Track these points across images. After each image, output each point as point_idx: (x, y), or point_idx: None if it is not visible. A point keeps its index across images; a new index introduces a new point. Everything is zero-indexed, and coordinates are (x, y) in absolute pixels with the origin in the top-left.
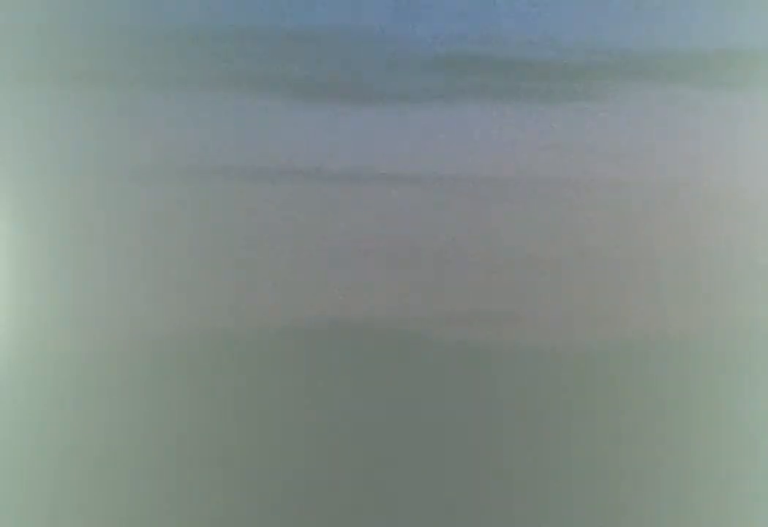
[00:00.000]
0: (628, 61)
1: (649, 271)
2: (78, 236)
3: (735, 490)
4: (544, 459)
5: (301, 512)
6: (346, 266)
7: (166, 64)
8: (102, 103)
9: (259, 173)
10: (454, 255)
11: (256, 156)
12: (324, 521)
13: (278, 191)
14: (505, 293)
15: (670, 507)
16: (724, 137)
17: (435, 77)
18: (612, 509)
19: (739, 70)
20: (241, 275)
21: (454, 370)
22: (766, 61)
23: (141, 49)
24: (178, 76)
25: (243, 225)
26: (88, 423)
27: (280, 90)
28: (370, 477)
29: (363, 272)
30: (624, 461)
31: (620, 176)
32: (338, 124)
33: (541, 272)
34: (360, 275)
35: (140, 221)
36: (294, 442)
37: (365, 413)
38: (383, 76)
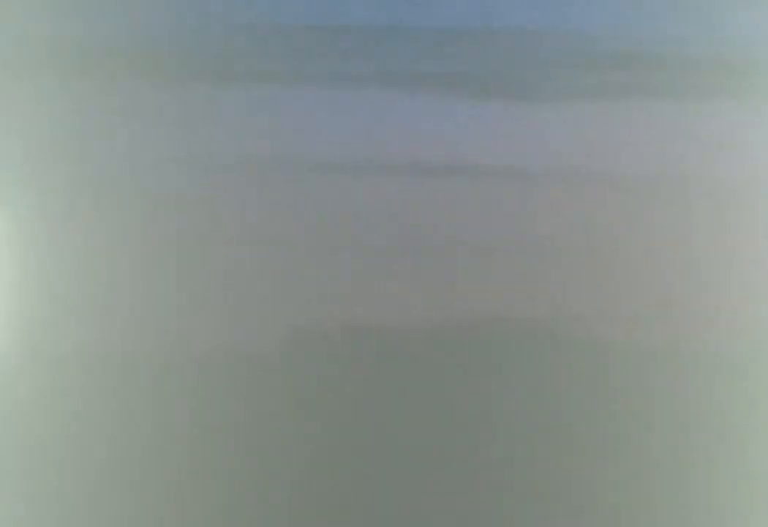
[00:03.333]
0: None
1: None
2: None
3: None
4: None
5: None
6: (493, 263)
7: (311, 60)
8: (246, 98)
9: (419, 170)
10: (611, 253)
11: (414, 153)
12: None
13: (438, 188)
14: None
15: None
16: None
17: (598, 75)
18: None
19: None
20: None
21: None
22: None
23: (279, 44)
24: (326, 71)
25: (404, 222)
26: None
27: (440, 88)
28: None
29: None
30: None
31: None
32: (497, 121)
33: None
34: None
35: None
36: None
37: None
38: (547, 73)
